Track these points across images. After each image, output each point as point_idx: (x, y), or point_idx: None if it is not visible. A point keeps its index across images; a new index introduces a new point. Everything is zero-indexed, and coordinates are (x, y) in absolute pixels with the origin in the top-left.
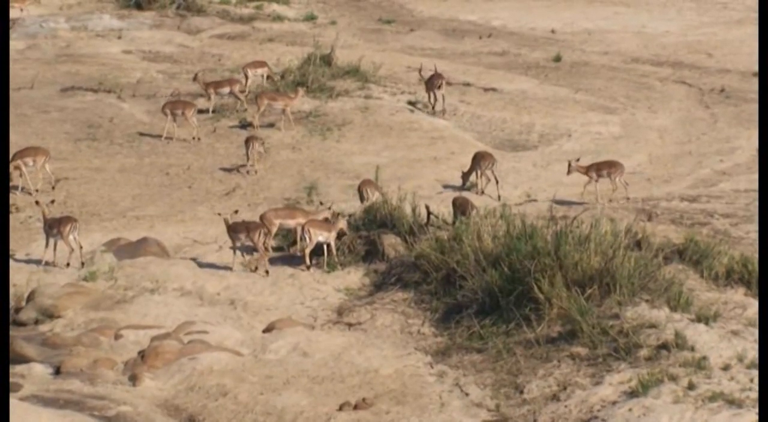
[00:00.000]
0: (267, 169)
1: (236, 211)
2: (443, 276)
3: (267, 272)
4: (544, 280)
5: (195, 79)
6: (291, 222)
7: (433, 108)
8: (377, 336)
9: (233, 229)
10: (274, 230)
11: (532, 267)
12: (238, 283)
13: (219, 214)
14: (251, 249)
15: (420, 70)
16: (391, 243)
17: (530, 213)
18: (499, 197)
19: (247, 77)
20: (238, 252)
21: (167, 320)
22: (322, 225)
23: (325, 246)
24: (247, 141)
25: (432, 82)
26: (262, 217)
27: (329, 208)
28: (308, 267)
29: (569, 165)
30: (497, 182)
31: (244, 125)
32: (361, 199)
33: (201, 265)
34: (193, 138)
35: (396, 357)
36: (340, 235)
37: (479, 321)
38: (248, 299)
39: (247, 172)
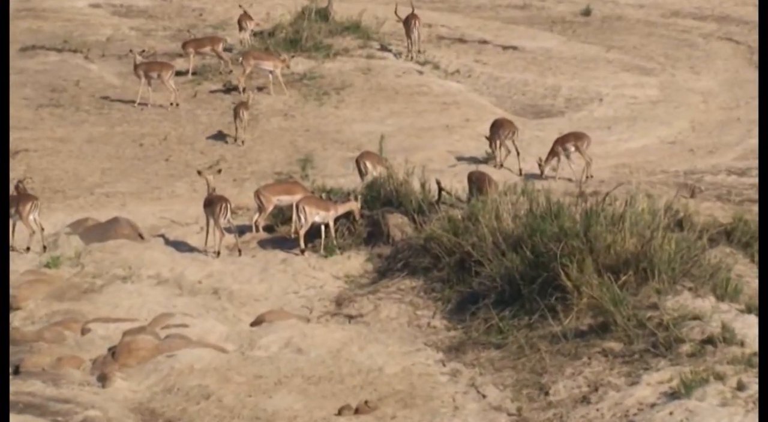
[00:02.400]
0: (255, 139)
1: (219, 171)
2: (457, 262)
3: (240, 251)
4: (572, 266)
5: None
6: (289, 200)
7: (410, 52)
8: (381, 330)
9: (207, 204)
10: (270, 208)
11: (558, 250)
12: (223, 270)
13: (199, 173)
14: (242, 229)
15: (396, 11)
16: (397, 223)
17: (556, 190)
18: (520, 171)
19: (242, 28)
20: (229, 234)
21: (141, 312)
22: (319, 203)
23: (322, 228)
24: (237, 108)
25: (408, 23)
26: (257, 194)
27: (356, 199)
28: (303, 252)
29: (539, 165)
30: (518, 154)
31: (229, 89)
32: (360, 173)
33: (180, 249)
34: (171, 104)
35: (403, 353)
36: (352, 220)
37: (498, 312)
38: (234, 288)
39: (235, 141)
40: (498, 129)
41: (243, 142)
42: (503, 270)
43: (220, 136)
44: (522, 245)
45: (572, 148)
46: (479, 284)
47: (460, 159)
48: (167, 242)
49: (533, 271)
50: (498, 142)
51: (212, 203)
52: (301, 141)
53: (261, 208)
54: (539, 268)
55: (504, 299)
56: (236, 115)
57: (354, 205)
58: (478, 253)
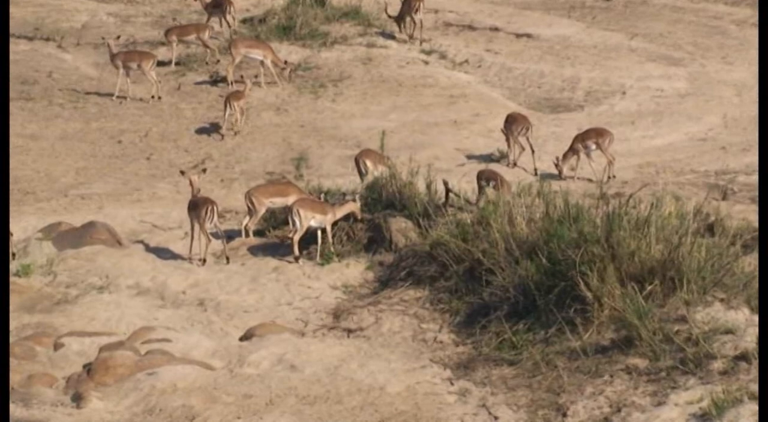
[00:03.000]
0: (245, 136)
1: (204, 169)
2: (466, 270)
3: (228, 259)
4: (592, 274)
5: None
6: (283, 202)
7: (410, 36)
8: (383, 345)
9: (191, 206)
10: (263, 211)
11: (577, 257)
12: (209, 279)
13: (182, 173)
14: (231, 235)
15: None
16: (401, 228)
17: (575, 191)
18: (535, 171)
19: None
20: (216, 240)
21: (120, 325)
22: (315, 205)
23: (318, 233)
24: (228, 99)
25: (410, 4)
26: (248, 196)
27: (354, 200)
28: (297, 259)
29: (556, 164)
30: (533, 152)
31: (216, 80)
32: (360, 173)
33: (162, 256)
34: (152, 97)
35: (407, 371)
36: (352, 221)
37: (511, 325)
38: (221, 298)
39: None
40: (511, 124)
41: (236, 133)
42: (517, 280)
43: (206, 132)
44: (537, 252)
45: (593, 146)
46: (490, 295)
47: (469, 157)
48: (148, 248)
49: (550, 281)
50: (511, 139)
51: (197, 206)
52: (295, 138)
53: (252, 211)
54: (556, 277)
55: (518, 311)
56: (226, 105)
57: (353, 206)
58: (489, 261)
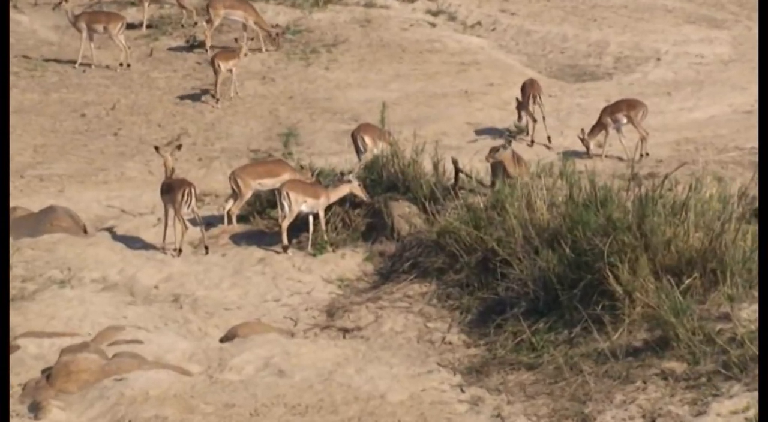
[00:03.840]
0: (226, 109)
1: (179, 146)
2: (478, 261)
3: (206, 249)
4: (622, 266)
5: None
6: (273, 183)
7: None
8: (384, 347)
9: (165, 189)
10: (249, 194)
11: (605, 247)
12: (185, 272)
13: (156, 149)
14: (211, 222)
15: None
16: (404, 213)
17: (602, 171)
18: (548, 139)
19: None
20: (193, 227)
21: (83, 325)
22: (306, 188)
23: (310, 219)
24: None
25: None
26: (233, 177)
27: (348, 181)
28: (286, 249)
29: (582, 140)
30: (543, 118)
31: (193, 45)
32: (358, 151)
33: (132, 246)
34: (121, 64)
35: (411, 376)
36: (350, 205)
37: (530, 324)
38: (199, 294)
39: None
40: (521, 91)
41: (217, 100)
42: (536, 272)
43: (182, 105)
44: (560, 241)
45: (623, 120)
46: (506, 289)
47: (481, 132)
48: (116, 237)
49: (574, 273)
50: (521, 110)
51: (172, 188)
52: (284, 110)
53: (236, 195)
54: (581, 269)
55: (537, 308)
56: (214, 67)
57: (351, 187)
58: (505, 251)
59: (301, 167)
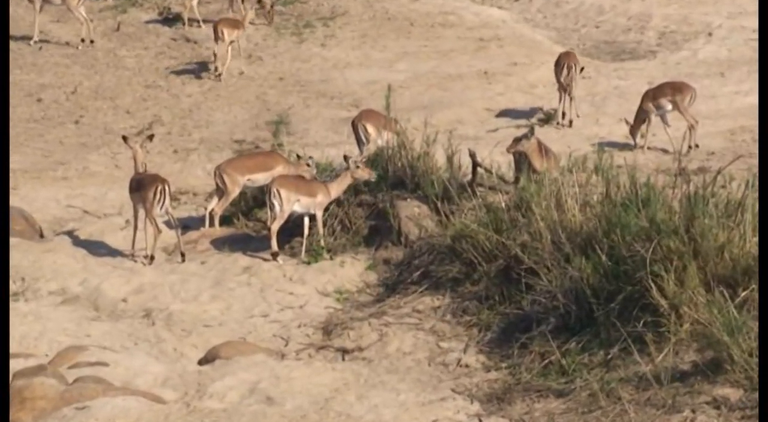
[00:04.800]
0: (206, 93)
1: (151, 136)
2: (500, 270)
3: (183, 256)
4: (668, 276)
5: None
6: (266, 179)
7: None
8: (390, 371)
9: (135, 186)
10: (237, 192)
11: (648, 254)
12: (158, 282)
13: (124, 140)
14: (188, 224)
15: None
16: (413, 215)
17: (644, 165)
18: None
19: None
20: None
21: (40, 344)
22: (299, 184)
23: (305, 220)
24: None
25: None
26: (219, 172)
27: (346, 167)
28: (275, 256)
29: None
30: (571, 99)
31: (168, 18)
32: (359, 142)
33: (96, 252)
34: (83, 40)
35: (421, 404)
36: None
37: (560, 344)
38: (174, 308)
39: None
40: (555, 67)
41: (219, 75)
42: (567, 283)
43: (154, 88)
44: (595, 246)
45: (668, 105)
46: (532, 303)
47: (503, 118)
48: (77, 242)
49: (611, 284)
50: (558, 84)
51: (143, 185)
52: (273, 94)
53: (223, 192)
54: (620, 280)
55: (568, 325)
56: (216, 35)
57: (351, 174)
58: (530, 258)
59: (299, 158)
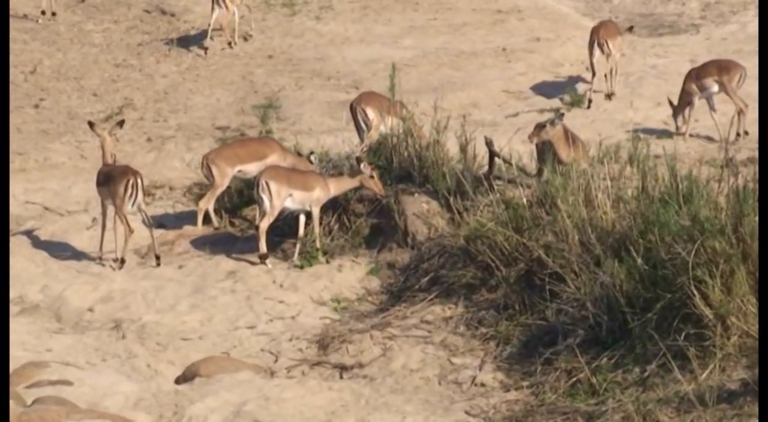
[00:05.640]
0: (184, 72)
1: (121, 122)
2: (520, 276)
3: (158, 259)
4: (713, 282)
5: None
6: (258, 169)
7: None
8: (395, 390)
9: (103, 179)
10: (225, 185)
11: (690, 257)
12: (130, 290)
13: (91, 126)
14: (161, 222)
15: None
16: (421, 212)
17: (686, 154)
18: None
19: None
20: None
21: None
22: (293, 176)
23: (300, 219)
24: None
25: None
26: (206, 162)
27: (359, 171)
28: (264, 258)
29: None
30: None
31: None
32: (359, 128)
33: (58, 254)
34: (43, 13)
35: None
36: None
37: (589, 359)
38: (148, 319)
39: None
40: (590, 35)
41: (232, 43)
42: (598, 290)
43: (125, 67)
44: (629, 248)
45: (714, 87)
46: (558, 313)
47: (524, 102)
48: (37, 243)
49: (648, 291)
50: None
51: (112, 178)
52: (261, 74)
53: (210, 185)
54: (658, 287)
55: (599, 338)
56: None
57: (362, 179)
58: (555, 262)
59: (298, 154)
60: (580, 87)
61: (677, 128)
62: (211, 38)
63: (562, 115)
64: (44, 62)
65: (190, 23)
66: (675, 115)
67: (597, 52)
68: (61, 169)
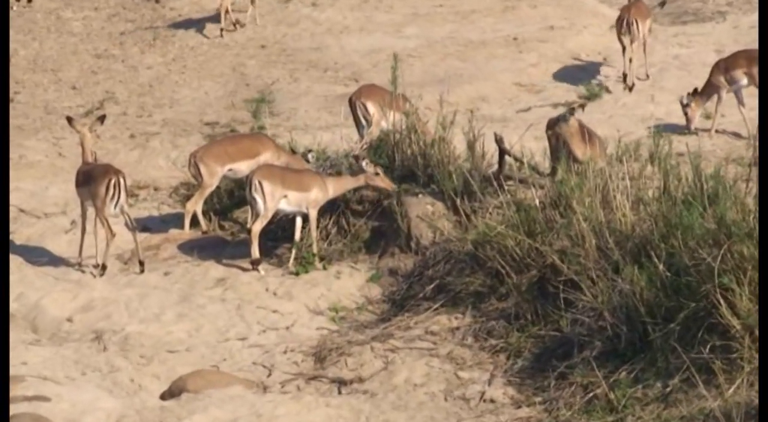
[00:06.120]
0: (169, 63)
1: (102, 117)
2: (533, 283)
3: (142, 265)
4: (740, 290)
5: None
6: (250, 167)
7: None
8: (397, 406)
9: (83, 179)
10: (215, 184)
11: (716, 263)
12: (112, 298)
13: (69, 121)
14: (145, 224)
15: None
16: (425, 214)
17: (711, 152)
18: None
19: None
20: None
21: None
22: (288, 176)
23: (296, 222)
24: None
25: None
26: (195, 160)
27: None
28: (256, 264)
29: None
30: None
31: None
32: (358, 124)
33: (35, 260)
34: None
35: None
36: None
37: (607, 373)
38: (131, 330)
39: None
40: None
41: (238, 24)
42: (616, 299)
43: (106, 58)
44: (650, 253)
45: (743, 80)
46: (573, 323)
47: (537, 95)
48: (12, 248)
49: (670, 300)
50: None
51: (93, 178)
52: (253, 66)
53: (199, 185)
54: (681, 295)
55: (617, 350)
56: None
57: (366, 178)
58: (571, 268)
59: (293, 152)
60: (597, 79)
61: (687, 120)
62: (226, 21)
63: (573, 109)
64: (19, 52)
65: (176, 10)
66: (690, 115)
67: (626, 31)
68: (38, 167)
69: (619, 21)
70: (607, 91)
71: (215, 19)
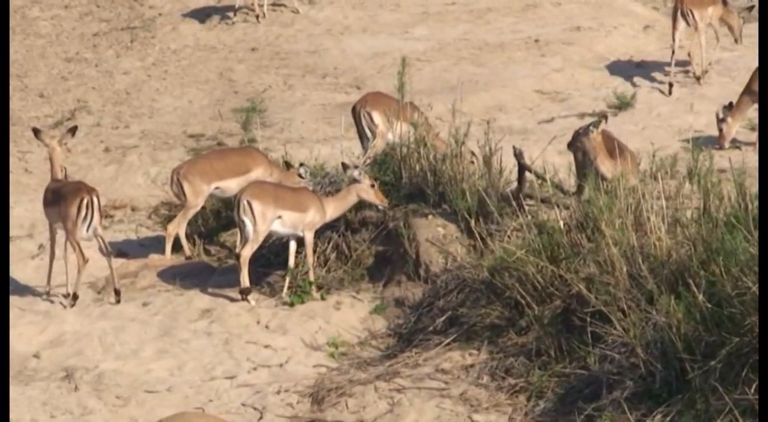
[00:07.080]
0: (149, 67)
1: (73, 129)
2: (556, 315)
3: (117, 294)
4: None
5: None
6: (240, 186)
7: None
8: None
9: (52, 198)
10: (200, 204)
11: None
12: (84, 331)
13: (36, 134)
14: (121, 249)
15: None
16: (436, 237)
17: (755, 166)
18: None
19: None
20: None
21: None
22: (281, 194)
23: (290, 246)
24: None
25: None
26: (177, 176)
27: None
28: (246, 293)
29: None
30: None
31: None
32: (361, 136)
33: None
34: None
35: None
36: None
37: (640, 416)
38: (105, 367)
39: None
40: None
41: (261, 16)
42: (650, 333)
43: (78, 62)
44: (688, 281)
45: None
46: (602, 360)
47: (561, 104)
48: None
49: (711, 334)
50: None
51: (63, 197)
52: (242, 71)
53: (182, 205)
54: (723, 328)
55: (651, 390)
56: None
57: (357, 190)
58: (599, 298)
59: (287, 165)
60: (629, 86)
61: (722, 136)
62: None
63: (598, 122)
64: None
65: (156, 9)
66: (725, 129)
67: (681, 23)
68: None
69: (675, 10)
70: (670, 86)
71: (200, 17)
